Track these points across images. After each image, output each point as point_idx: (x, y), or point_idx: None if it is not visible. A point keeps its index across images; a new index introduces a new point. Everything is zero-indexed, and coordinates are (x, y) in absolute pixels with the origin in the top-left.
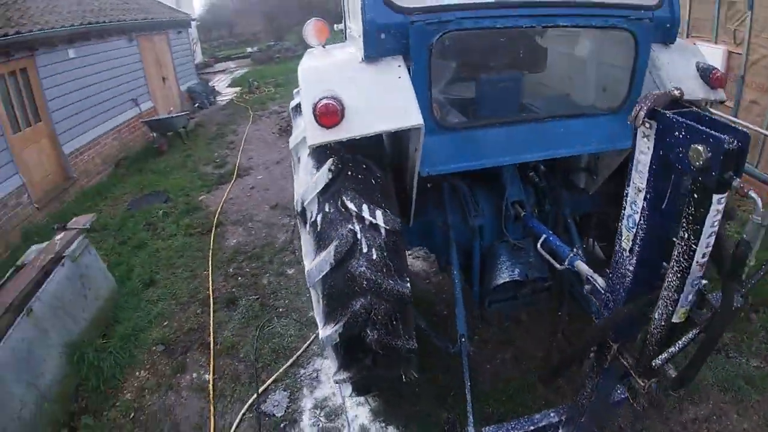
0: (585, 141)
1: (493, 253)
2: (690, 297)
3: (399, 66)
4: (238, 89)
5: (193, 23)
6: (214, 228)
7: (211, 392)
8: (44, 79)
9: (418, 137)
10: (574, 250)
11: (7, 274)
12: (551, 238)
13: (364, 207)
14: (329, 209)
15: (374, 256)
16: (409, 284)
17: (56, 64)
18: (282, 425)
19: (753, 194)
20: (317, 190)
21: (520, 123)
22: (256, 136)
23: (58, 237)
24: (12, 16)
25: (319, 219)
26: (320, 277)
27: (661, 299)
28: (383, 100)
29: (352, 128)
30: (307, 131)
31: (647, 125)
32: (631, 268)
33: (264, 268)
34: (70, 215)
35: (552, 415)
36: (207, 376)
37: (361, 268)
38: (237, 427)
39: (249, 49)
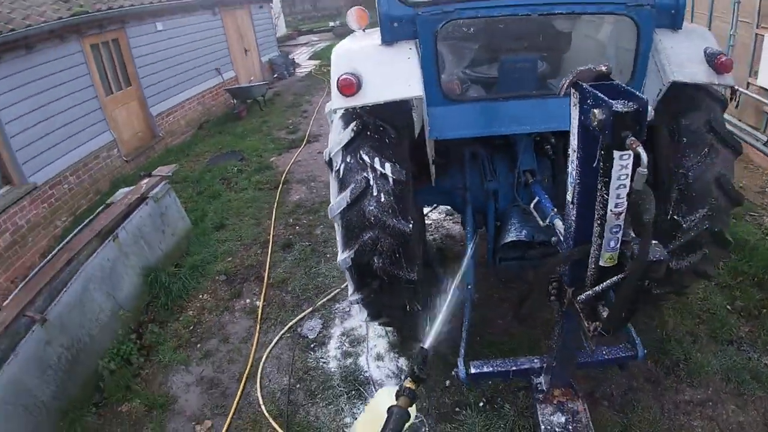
0: None
1: (506, 216)
2: (611, 243)
3: (410, 49)
4: (317, 62)
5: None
6: (280, 185)
7: (259, 315)
8: (134, 48)
9: (423, 107)
10: (555, 210)
11: (99, 209)
12: (542, 200)
13: (376, 160)
14: (350, 160)
15: (382, 199)
16: (411, 224)
17: (145, 36)
18: (312, 345)
19: (640, 149)
20: (341, 145)
21: (521, 98)
22: None
23: (144, 182)
24: None
25: (342, 168)
26: (338, 211)
27: (592, 245)
28: (393, 76)
29: (365, 97)
30: (332, 98)
31: (575, 96)
32: (574, 218)
33: (319, 221)
34: (154, 168)
35: (535, 360)
36: (258, 302)
37: (370, 207)
38: (276, 343)
39: (331, 23)
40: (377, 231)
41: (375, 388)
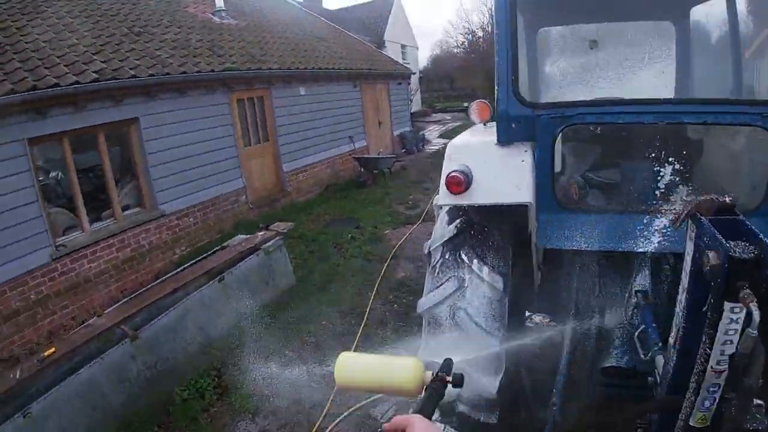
0: None
1: (610, 337)
2: (706, 403)
3: (525, 151)
4: (447, 141)
5: (414, 75)
6: (389, 259)
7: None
8: (276, 108)
9: (533, 212)
10: (659, 345)
11: (214, 249)
12: (649, 330)
13: (475, 261)
14: (448, 257)
15: (475, 303)
16: (499, 334)
17: (288, 98)
18: (378, 430)
19: (753, 306)
20: (442, 240)
21: (641, 212)
22: None
23: (260, 233)
24: (255, 54)
25: (439, 263)
26: (427, 307)
27: (685, 400)
28: (504, 179)
29: (472, 197)
30: (440, 193)
31: (691, 229)
32: (673, 364)
33: None
34: (275, 220)
35: None
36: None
37: (461, 309)
38: (343, 418)
39: (465, 104)
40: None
41: None
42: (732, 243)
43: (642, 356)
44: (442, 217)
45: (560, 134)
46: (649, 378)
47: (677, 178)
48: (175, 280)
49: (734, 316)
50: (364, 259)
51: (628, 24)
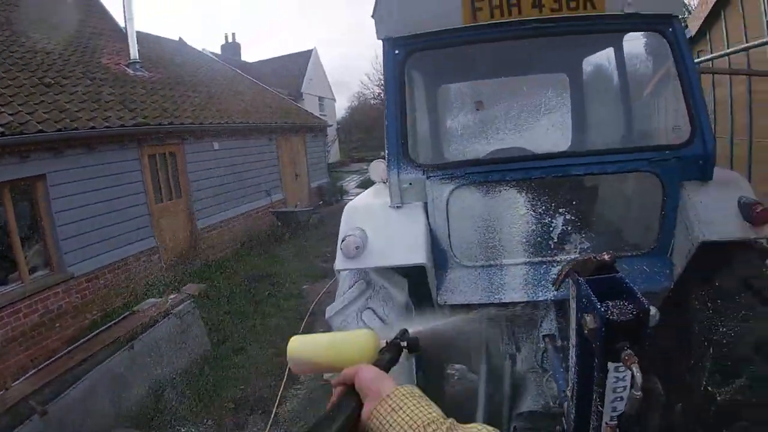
0: None
1: (524, 382)
2: None
3: (419, 212)
4: (364, 190)
5: (332, 127)
6: (307, 316)
7: None
8: (189, 163)
9: (431, 272)
10: (566, 392)
11: (123, 315)
12: (557, 375)
13: (376, 323)
14: (349, 321)
15: None
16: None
17: (201, 153)
18: None
19: (635, 368)
20: (343, 306)
21: (535, 263)
22: None
23: (171, 296)
24: (168, 108)
25: (341, 328)
26: (331, 376)
27: None
28: (398, 240)
29: (367, 260)
30: (336, 258)
31: (572, 289)
32: (573, 416)
33: None
34: (190, 279)
35: None
36: None
37: None
38: None
39: (383, 153)
40: None
41: None
42: (611, 303)
43: (551, 403)
44: (343, 280)
45: (451, 194)
46: (558, 427)
47: (572, 227)
48: (85, 349)
49: (620, 375)
50: (282, 317)
51: (527, 78)
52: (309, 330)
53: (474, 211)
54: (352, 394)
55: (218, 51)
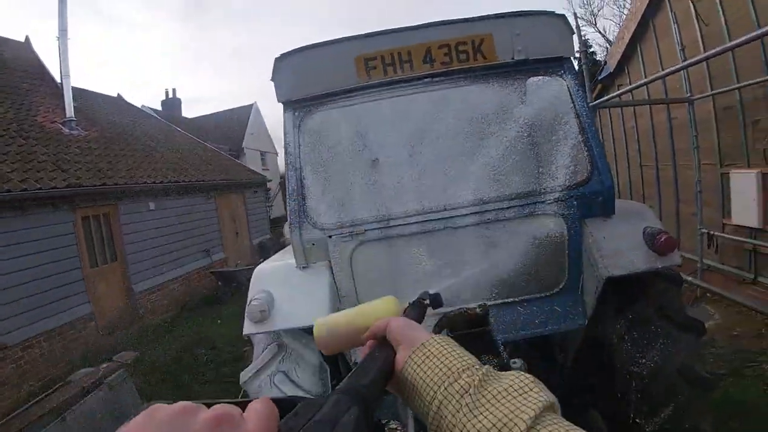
0: (524, 325)
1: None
2: None
3: (323, 272)
4: None
5: (273, 182)
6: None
7: None
8: (124, 225)
9: None
10: None
11: (55, 387)
12: None
13: (289, 387)
14: (263, 386)
15: None
16: None
17: (136, 213)
18: None
19: None
20: (255, 370)
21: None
22: None
23: (104, 365)
24: (103, 167)
25: (257, 393)
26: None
27: None
28: (303, 302)
29: (274, 323)
30: (244, 322)
31: None
32: None
33: None
34: (128, 345)
35: None
36: None
37: None
38: None
39: None
40: None
41: None
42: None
43: None
44: (257, 344)
45: (353, 252)
46: None
47: (481, 274)
48: (19, 421)
49: None
50: (221, 383)
51: (425, 131)
52: (246, 395)
53: (378, 268)
54: (384, 344)
55: (158, 107)
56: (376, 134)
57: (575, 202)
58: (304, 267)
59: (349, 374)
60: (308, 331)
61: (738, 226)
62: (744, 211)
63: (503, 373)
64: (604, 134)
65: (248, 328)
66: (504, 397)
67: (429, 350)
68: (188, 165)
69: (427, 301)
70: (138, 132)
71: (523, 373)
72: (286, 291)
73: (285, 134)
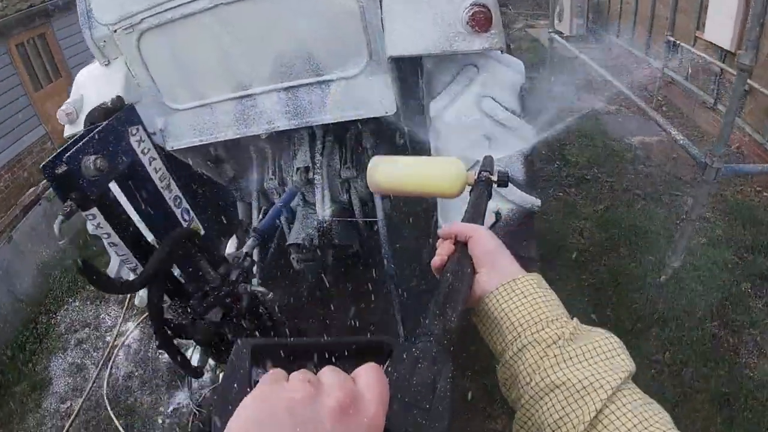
0: (331, 107)
1: (294, 216)
2: None
3: (121, 66)
4: None
5: None
6: None
7: (126, 305)
8: (61, 40)
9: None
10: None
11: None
12: (278, 205)
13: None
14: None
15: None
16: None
17: (74, 25)
18: None
19: None
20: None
21: (253, 96)
22: None
23: (42, 183)
24: None
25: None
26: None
27: None
28: (105, 96)
29: (80, 124)
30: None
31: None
32: None
33: None
34: None
35: None
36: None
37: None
38: (131, 332)
39: None
40: None
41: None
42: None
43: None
44: None
45: (139, 42)
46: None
47: (269, 53)
48: None
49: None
50: None
51: None
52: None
53: (170, 55)
54: (465, 257)
55: None
56: None
57: None
58: (106, 65)
59: (437, 294)
60: None
61: (710, 43)
62: (719, 28)
63: (592, 330)
64: None
65: (67, 130)
66: (592, 357)
67: (519, 288)
68: None
69: (495, 177)
70: None
71: (612, 335)
72: (94, 90)
73: None
